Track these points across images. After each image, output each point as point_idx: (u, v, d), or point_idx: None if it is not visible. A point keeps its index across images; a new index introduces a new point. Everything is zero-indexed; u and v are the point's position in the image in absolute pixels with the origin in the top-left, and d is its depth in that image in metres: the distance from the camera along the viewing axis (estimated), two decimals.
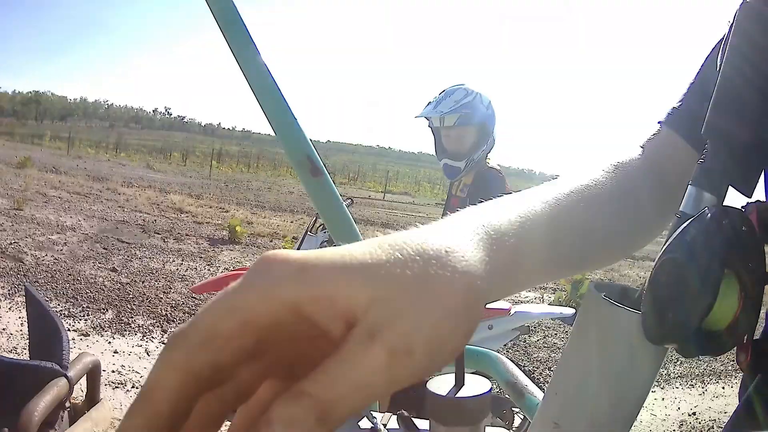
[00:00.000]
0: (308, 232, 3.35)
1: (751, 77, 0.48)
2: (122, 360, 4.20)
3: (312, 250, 0.28)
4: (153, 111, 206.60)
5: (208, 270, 7.29)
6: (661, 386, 5.13)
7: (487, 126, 2.90)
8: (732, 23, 0.51)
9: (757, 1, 0.49)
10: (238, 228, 9.50)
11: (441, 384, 0.59)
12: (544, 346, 5.99)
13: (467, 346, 0.67)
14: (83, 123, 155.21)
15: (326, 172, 0.80)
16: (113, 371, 3.96)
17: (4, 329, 4.40)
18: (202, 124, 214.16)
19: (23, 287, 2.32)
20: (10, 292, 5.31)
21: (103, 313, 5.15)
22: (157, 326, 5.01)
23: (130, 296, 5.73)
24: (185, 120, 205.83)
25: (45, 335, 0.77)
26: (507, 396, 1.79)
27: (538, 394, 0.74)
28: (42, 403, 0.63)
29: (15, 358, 0.71)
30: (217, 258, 8.08)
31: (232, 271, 3.98)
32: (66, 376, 0.70)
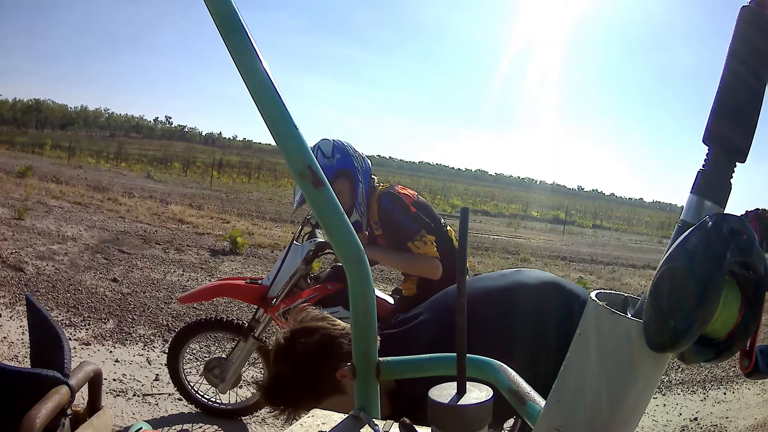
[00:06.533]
0: (294, 241, 3.27)
1: (751, 83, 0.48)
2: (123, 369, 4.19)
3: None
4: (154, 120, 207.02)
5: (209, 281, 7.27)
6: (663, 392, 5.11)
7: (344, 171, 2.87)
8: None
9: (756, 6, 0.49)
10: (239, 239, 9.50)
11: (443, 392, 0.59)
12: None
13: (468, 355, 0.66)
14: (84, 132, 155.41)
15: (327, 182, 0.79)
16: (114, 380, 3.96)
17: (5, 338, 4.39)
18: (203, 134, 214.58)
19: (24, 296, 2.32)
20: (11, 302, 5.31)
21: (105, 323, 5.14)
22: (159, 336, 5.00)
23: (131, 306, 5.72)
24: (186, 129, 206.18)
25: (46, 344, 0.77)
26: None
27: (540, 402, 0.73)
28: (44, 410, 0.63)
29: (16, 366, 0.71)
30: (218, 269, 8.07)
31: (216, 281, 3.93)
32: (67, 384, 0.70)
